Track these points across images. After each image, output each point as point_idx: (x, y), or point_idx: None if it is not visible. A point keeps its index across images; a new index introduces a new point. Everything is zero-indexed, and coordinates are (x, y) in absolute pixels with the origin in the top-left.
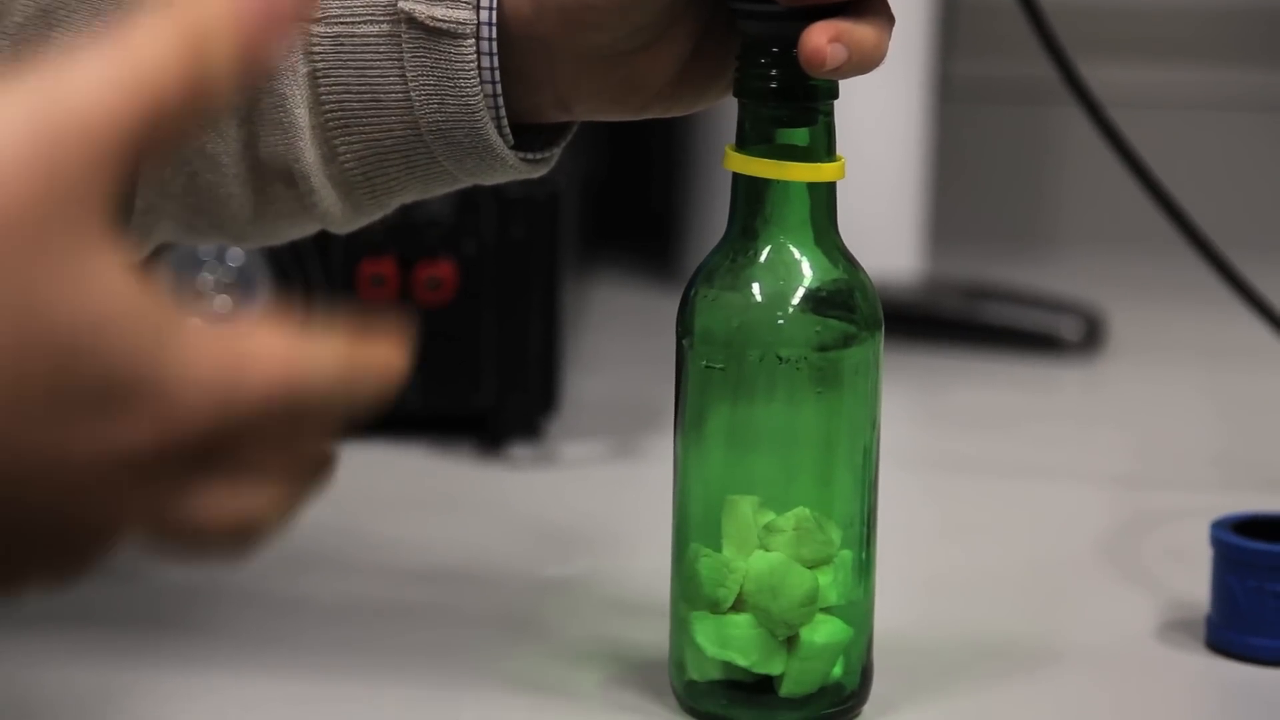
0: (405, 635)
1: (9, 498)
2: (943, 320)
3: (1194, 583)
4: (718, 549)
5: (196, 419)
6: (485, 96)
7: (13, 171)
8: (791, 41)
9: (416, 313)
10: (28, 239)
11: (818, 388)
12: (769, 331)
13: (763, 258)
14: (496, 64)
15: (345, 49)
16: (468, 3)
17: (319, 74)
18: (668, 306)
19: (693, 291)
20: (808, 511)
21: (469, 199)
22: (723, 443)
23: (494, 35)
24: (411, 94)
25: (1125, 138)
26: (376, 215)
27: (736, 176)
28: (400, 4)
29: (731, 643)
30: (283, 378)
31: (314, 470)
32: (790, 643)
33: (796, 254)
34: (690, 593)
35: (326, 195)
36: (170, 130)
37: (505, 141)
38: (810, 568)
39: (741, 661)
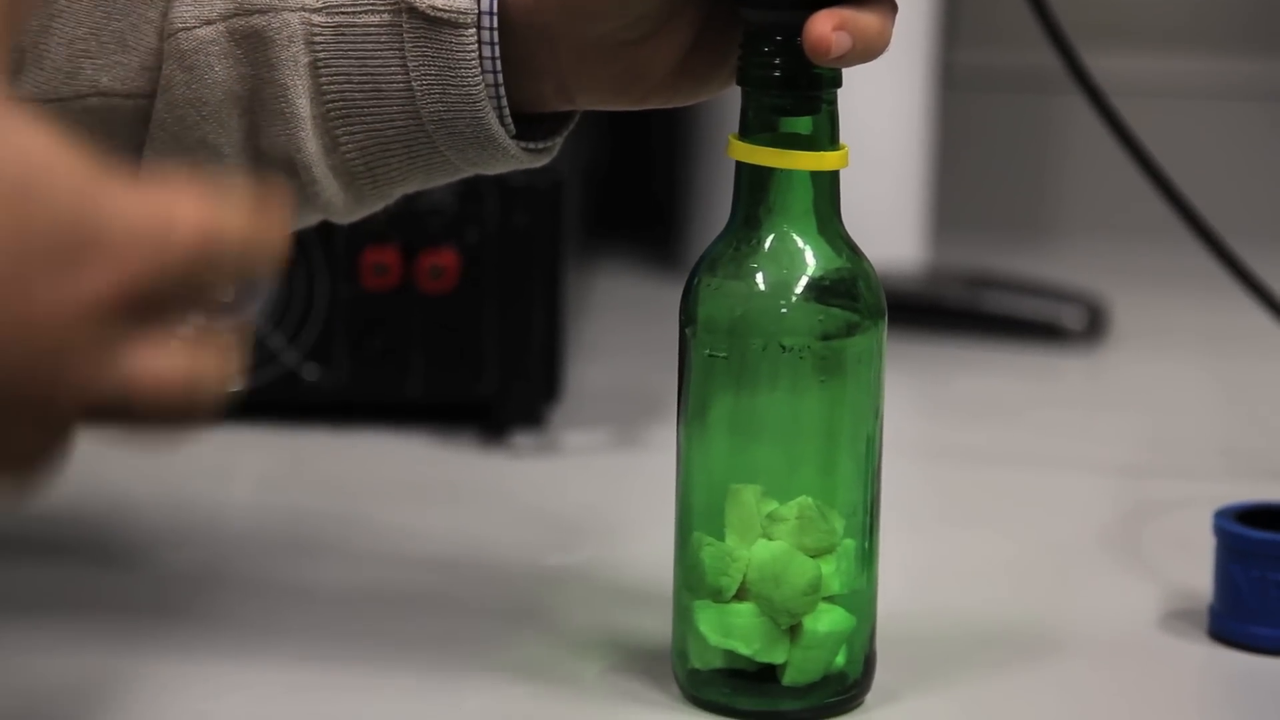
0: (407, 624)
1: None
2: (946, 309)
3: (1197, 572)
4: (721, 538)
5: (142, 269)
6: (487, 86)
7: None
8: (795, 30)
9: (419, 301)
10: None
11: (821, 377)
12: (772, 320)
13: (766, 246)
14: (498, 53)
15: (347, 39)
16: None
17: (320, 64)
18: (670, 295)
19: (696, 280)
20: (811, 500)
21: (472, 188)
22: (726, 431)
23: (495, 24)
24: (413, 84)
25: (1128, 126)
26: (378, 205)
27: (740, 165)
28: None
29: (734, 631)
30: (204, 232)
31: (226, 343)
32: (793, 631)
33: (800, 243)
34: (693, 581)
35: (328, 185)
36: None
37: (507, 131)
38: (813, 556)
39: (744, 650)
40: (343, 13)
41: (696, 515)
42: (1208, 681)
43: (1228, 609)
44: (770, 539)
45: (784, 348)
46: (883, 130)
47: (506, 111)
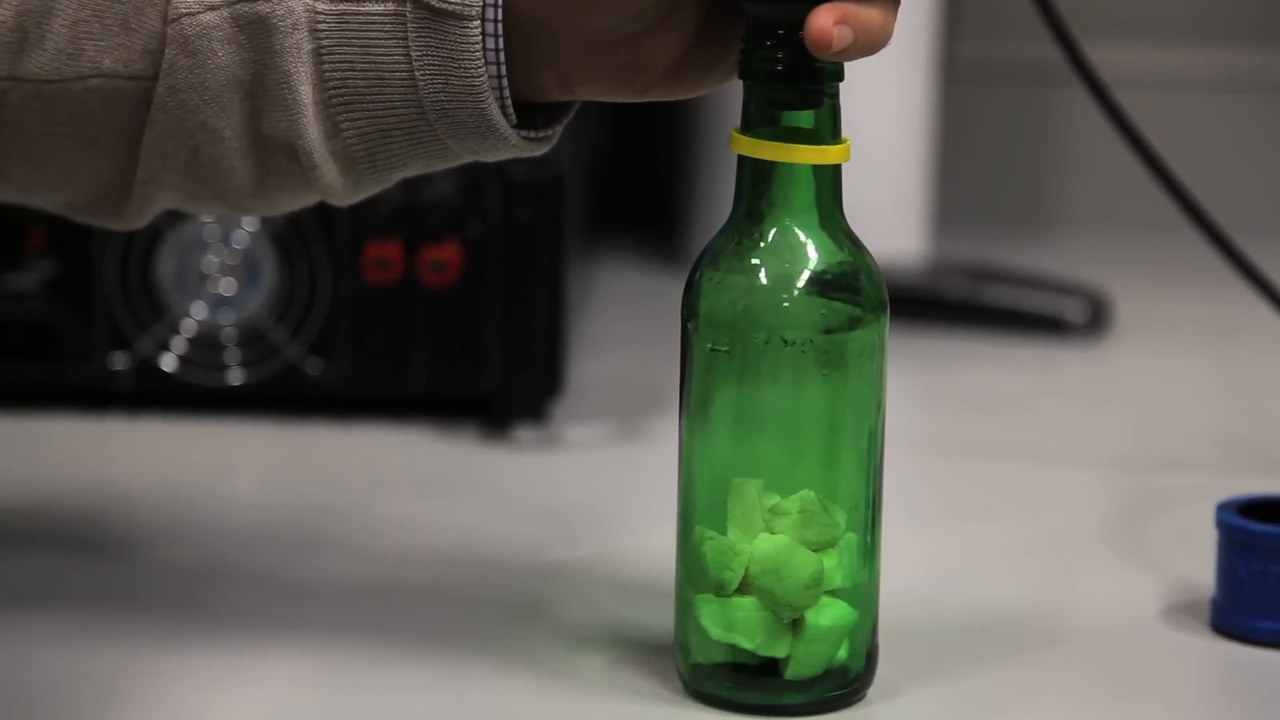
0: (409, 617)
1: None
2: (948, 303)
3: (1199, 565)
4: (723, 532)
5: None
6: (490, 78)
7: None
8: (797, 23)
9: (421, 296)
10: None
11: (823, 370)
12: (774, 314)
13: (768, 240)
14: (501, 45)
15: (350, 27)
16: None
17: (323, 51)
18: (673, 289)
19: (698, 274)
20: (813, 494)
21: (474, 182)
22: (728, 425)
23: (499, 17)
24: (416, 73)
25: (1130, 120)
26: (377, 189)
27: (742, 159)
28: None
29: (736, 625)
30: None
31: None
32: (795, 625)
33: (802, 236)
34: (695, 575)
35: (328, 170)
36: None
37: (509, 121)
38: (815, 550)
39: (746, 644)
40: (347, 0)
41: (699, 509)
42: (1209, 674)
43: (1230, 602)
44: (772, 533)
45: (786, 341)
46: (884, 124)
47: (509, 102)
